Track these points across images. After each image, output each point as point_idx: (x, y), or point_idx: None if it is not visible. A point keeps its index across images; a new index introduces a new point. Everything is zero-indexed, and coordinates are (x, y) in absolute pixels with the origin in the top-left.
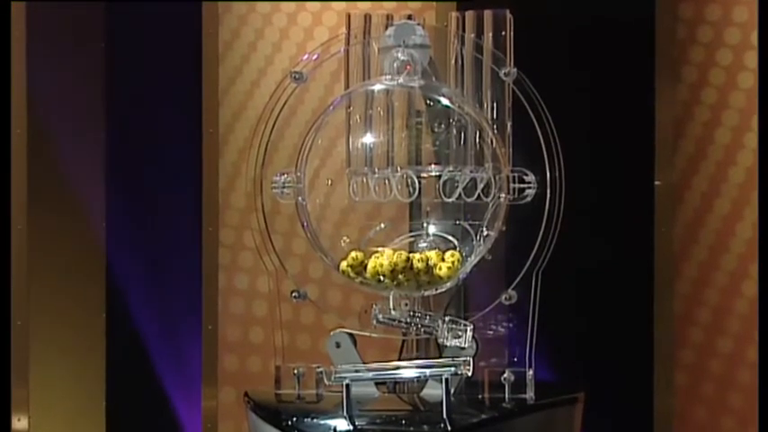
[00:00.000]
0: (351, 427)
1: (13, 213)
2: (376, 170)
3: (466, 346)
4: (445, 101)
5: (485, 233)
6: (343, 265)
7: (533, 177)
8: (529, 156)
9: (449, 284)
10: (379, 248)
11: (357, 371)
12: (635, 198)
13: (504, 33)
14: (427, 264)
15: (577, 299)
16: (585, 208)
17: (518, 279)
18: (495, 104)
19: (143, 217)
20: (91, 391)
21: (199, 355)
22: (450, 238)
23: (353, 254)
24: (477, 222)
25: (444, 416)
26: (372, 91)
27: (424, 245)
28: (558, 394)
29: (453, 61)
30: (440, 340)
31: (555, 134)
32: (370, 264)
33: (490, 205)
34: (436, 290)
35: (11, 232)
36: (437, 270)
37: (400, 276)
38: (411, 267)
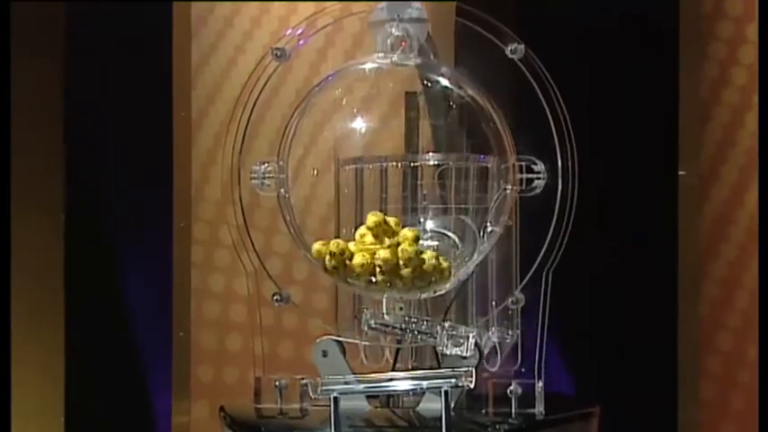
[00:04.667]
0: None
1: None
2: (369, 167)
3: (468, 354)
4: (444, 81)
5: (489, 229)
6: (318, 246)
7: (543, 167)
8: (538, 143)
9: (448, 286)
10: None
11: (346, 383)
12: (656, 190)
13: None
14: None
15: (592, 302)
16: (601, 201)
17: (526, 280)
18: (499, 86)
19: (106, 210)
20: (49, 403)
21: (169, 364)
22: (451, 234)
23: (335, 242)
24: (480, 217)
25: None
26: (363, 70)
27: (422, 242)
28: (572, 408)
29: (453, 37)
30: (439, 348)
31: (567, 118)
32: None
33: (495, 198)
34: (435, 292)
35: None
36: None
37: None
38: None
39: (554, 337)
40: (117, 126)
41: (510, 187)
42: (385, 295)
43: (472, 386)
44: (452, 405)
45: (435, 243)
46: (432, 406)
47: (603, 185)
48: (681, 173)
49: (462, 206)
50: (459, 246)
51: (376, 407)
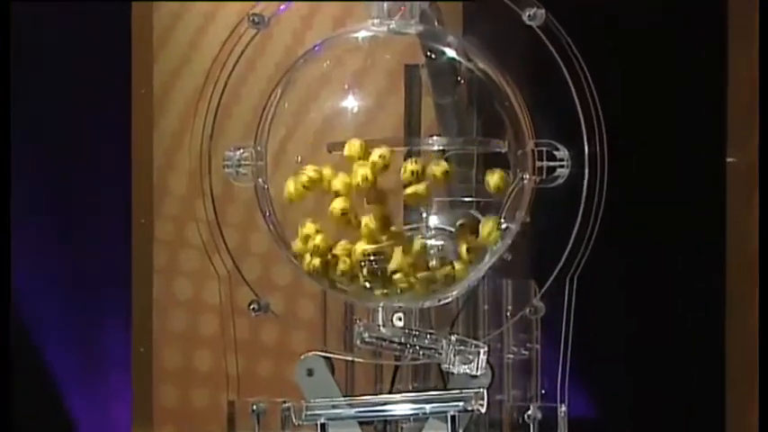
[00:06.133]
0: None
1: None
2: None
3: (478, 373)
4: (451, 52)
5: (503, 226)
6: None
7: (566, 153)
8: (561, 125)
9: (456, 293)
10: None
11: (335, 406)
12: (700, 180)
13: None
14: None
15: (624, 312)
16: (635, 194)
17: (546, 286)
18: (515, 58)
19: (55, 204)
20: None
21: (127, 385)
22: None
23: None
24: (492, 212)
25: None
26: (356, 39)
27: (424, 241)
28: None
29: (461, 0)
30: (444, 366)
31: (595, 96)
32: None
33: (509, 189)
34: (439, 301)
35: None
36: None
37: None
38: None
39: (579, 353)
40: (69, 104)
41: (528, 177)
42: (381, 304)
43: (483, 410)
44: None
45: (440, 243)
46: None
47: (638, 175)
48: (729, 160)
49: (471, 199)
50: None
51: None
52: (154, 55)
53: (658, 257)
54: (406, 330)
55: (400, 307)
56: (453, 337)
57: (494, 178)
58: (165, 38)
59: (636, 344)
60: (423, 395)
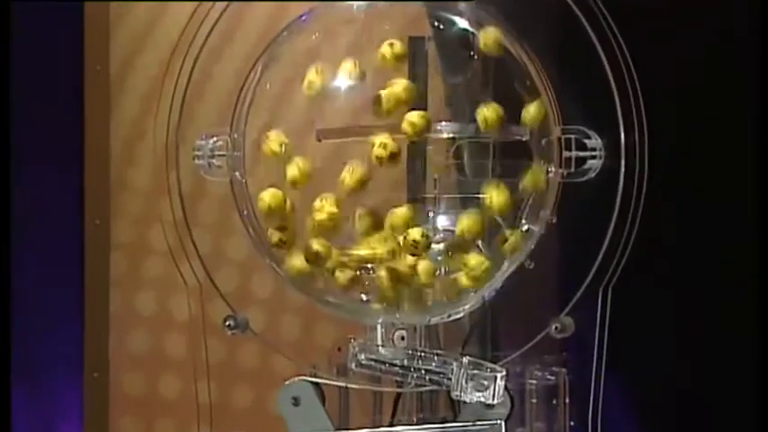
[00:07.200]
0: None
1: None
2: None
3: (495, 402)
4: (463, 22)
5: (524, 228)
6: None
7: (599, 142)
8: (592, 108)
9: (468, 307)
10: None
11: None
12: (754, 174)
13: None
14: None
15: (666, 328)
16: (680, 189)
17: (576, 299)
18: (539, 29)
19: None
20: None
21: (79, 416)
22: None
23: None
24: (511, 211)
25: None
26: (350, 7)
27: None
28: None
29: None
30: (455, 394)
31: (633, 75)
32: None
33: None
34: (449, 316)
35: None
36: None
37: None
38: None
39: (615, 376)
40: (17, 85)
41: (553, 170)
42: (380, 319)
43: None
44: None
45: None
46: None
47: (683, 168)
48: None
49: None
50: (483, 251)
51: None
52: (110, 26)
53: (706, 262)
54: (410, 351)
55: (403, 323)
56: (465, 360)
57: (486, 112)
58: (123, 6)
59: (680, 364)
60: (430, 428)
